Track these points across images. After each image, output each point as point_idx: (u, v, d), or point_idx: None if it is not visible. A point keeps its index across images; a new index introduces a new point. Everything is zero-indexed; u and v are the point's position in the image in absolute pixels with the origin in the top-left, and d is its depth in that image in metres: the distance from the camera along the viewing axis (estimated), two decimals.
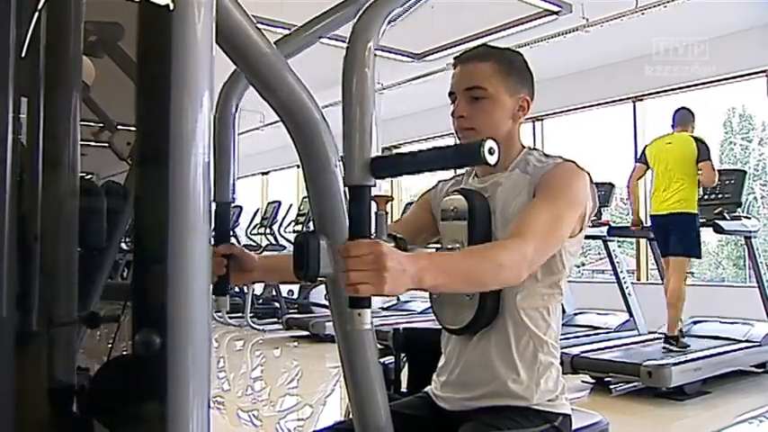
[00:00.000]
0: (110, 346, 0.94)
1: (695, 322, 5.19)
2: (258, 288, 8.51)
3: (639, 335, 5.21)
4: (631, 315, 5.43)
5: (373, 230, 0.96)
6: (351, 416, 1.21)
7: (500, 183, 1.37)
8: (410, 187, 9.92)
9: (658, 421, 3.83)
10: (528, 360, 1.33)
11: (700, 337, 4.93)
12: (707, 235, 5.25)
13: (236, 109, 1.25)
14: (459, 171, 1.54)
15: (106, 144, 1.40)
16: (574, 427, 1.37)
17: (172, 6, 0.65)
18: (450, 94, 1.39)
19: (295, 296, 8.24)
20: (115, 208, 1.27)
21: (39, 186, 0.97)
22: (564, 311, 4.94)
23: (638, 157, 5.02)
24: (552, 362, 1.35)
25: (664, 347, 4.46)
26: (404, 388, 1.69)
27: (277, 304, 8.08)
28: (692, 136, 4.60)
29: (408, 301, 7.76)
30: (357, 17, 0.94)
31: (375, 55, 0.92)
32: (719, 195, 4.73)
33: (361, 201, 0.92)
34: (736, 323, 4.99)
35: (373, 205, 0.99)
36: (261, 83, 0.97)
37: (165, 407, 0.65)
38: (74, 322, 0.97)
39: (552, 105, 7.44)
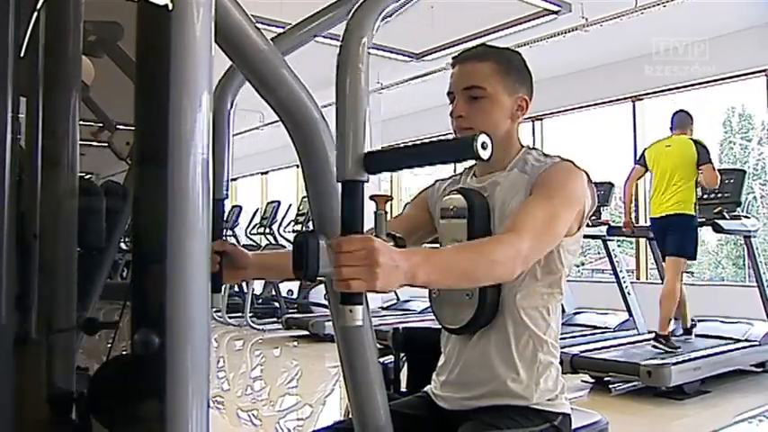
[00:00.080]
0: (109, 346, 0.94)
1: (694, 322, 5.19)
2: (258, 287, 8.51)
3: (639, 334, 5.21)
4: (631, 314, 5.43)
5: (367, 228, 0.95)
6: (350, 415, 1.21)
7: (498, 182, 1.37)
8: (410, 187, 9.92)
9: (658, 420, 3.83)
10: (527, 359, 1.33)
11: (699, 337, 4.93)
12: (707, 234, 5.26)
13: (232, 105, 1.25)
14: (458, 170, 1.54)
15: (105, 144, 1.40)
16: (573, 427, 1.37)
17: (171, 6, 0.65)
18: (449, 93, 1.39)
19: (294, 296, 8.23)
20: (114, 208, 1.27)
21: (38, 186, 0.97)
22: (564, 311, 4.94)
23: (638, 159, 5.03)
24: (552, 361, 1.35)
25: (654, 346, 4.46)
26: (403, 387, 1.69)
27: (276, 304, 8.07)
28: (692, 139, 4.61)
29: (408, 301, 7.77)
30: (351, 13, 0.94)
31: (369, 51, 0.92)
32: (719, 195, 4.73)
33: (353, 196, 0.92)
34: (736, 323, 5.00)
35: (373, 204, 0.98)
36: (260, 82, 0.97)
37: (164, 407, 0.65)
38: (72, 329, 0.97)
39: (552, 105, 7.45)
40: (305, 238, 1.01)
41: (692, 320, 4.98)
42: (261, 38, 0.94)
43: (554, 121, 8.03)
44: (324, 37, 1.27)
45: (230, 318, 7.64)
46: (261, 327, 7.38)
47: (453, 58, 1.42)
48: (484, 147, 0.87)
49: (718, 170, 4.60)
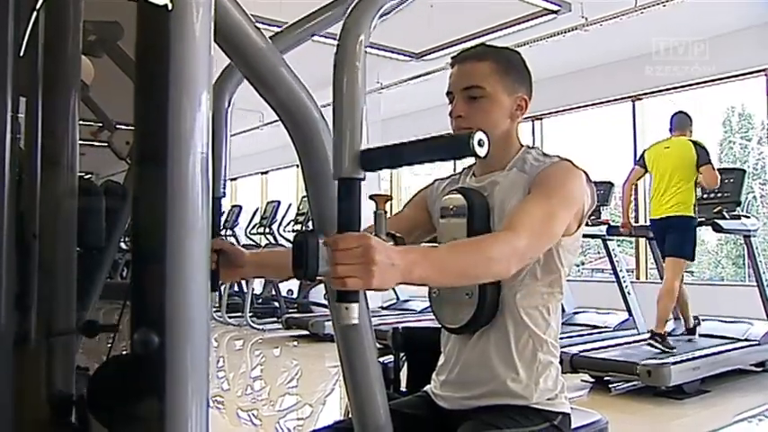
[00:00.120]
0: (109, 345, 0.94)
1: (699, 321, 5.19)
2: (258, 287, 8.51)
3: (639, 334, 5.20)
4: (630, 314, 5.43)
5: (366, 226, 0.95)
6: (350, 415, 1.21)
7: (498, 182, 1.37)
8: (410, 186, 9.92)
9: (657, 420, 3.83)
10: (527, 359, 1.33)
11: (699, 336, 4.93)
12: (707, 234, 5.25)
13: (230, 104, 1.25)
14: (457, 170, 1.54)
15: (105, 143, 1.40)
16: (573, 426, 1.37)
17: (170, 6, 0.65)
18: (448, 93, 1.39)
19: (294, 295, 8.24)
20: (114, 207, 1.27)
21: (37, 186, 0.97)
22: (563, 310, 4.94)
23: (637, 160, 5.03)
24: (552, 361, 1.35)
25: (650, 344, 4.46)
26: (403, 387, 1.69)
27: (276, 303, 8.08)
28: (691, 140, 4.62)
29: (408, 301, 7.77)
30: (348, 11, 0.94)
31: (366, 49, 0.92)
32: (719, 194, 4.74)
33: (350, 194, 0.91)
34: (736, 322, 5.00)
35: (373, 204, 0.98)
36: (260, 82, 0.97)
37: (163, 406, 0.65)
38: (71, 332, 0.97)
39: (551, 105, 7.45)
40: (305, 237, 1.00)
41: (696, 319, 4.97)
42: (261, 38, 0.94)
43: (554, 121, 8.04)
44: (324, 36, 1.27)
45: (230, 317, 7.65)
46: (261, 326, 7.39)
47: (452, 57, 1.42)
48: (480, 144, 0.87)
49: (718, 170, 4.61)
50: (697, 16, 5.67)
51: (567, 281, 1.39)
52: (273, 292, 8.27)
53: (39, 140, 0.97)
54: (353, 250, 0.88)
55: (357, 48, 0.91)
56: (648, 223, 4.91)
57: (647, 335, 4.64)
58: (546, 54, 5.79)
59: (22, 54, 0.95)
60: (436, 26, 5.57)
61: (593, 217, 4.98)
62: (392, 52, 6.43)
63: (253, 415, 4.22)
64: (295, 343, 6.69)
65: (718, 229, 4.73)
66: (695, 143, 4.58)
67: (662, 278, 4.93)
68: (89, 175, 1.31)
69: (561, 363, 1.40)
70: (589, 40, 5.83)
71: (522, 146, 1.41)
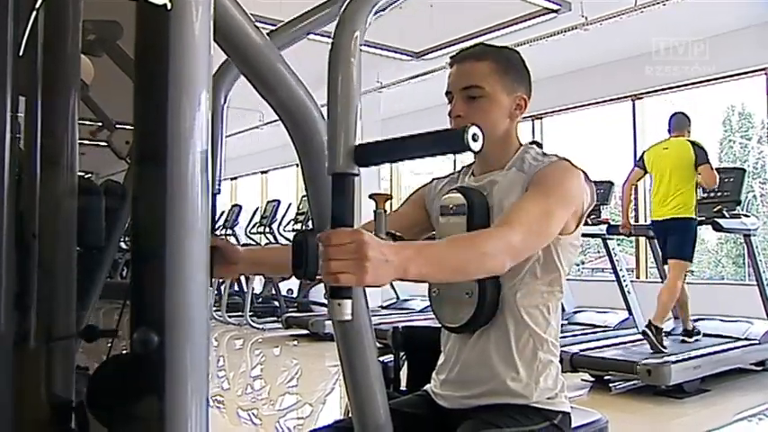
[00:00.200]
0: (109, 345, 0.94)
1: (695, 320, 5.19)
2: (257, 286, 8.51)
3: (638, 333, 5.21)
4: (631, 313, 5.42)
5: (364, 222, 0.95)
6: (350, 414, 1.22)
7: (497, 181, 1.37)
8: (409, 185, 9.92)
9: (657, 419, 3.83)
10: (527, 358, 1.33)
11: (695, 340, 4.92)
12: (707, 233, 5.25)
13: (225, 100, 1.25)
14: (456, 169, 1.54)
15: (105, 143, 1.40)
16: (573, 425, 1.37)
17: (170, 5, 0.65)
18: (447, 93, 1.39)
19: (294, 295, 8.24)
20: (114, 207, 1.27)
21: (37, 186, 0.97)
22: (563, 309, 4.94)
23: (636, 161, 5.04)
24: (552, 360, 1.35)
25: (643, 333, 4.44)
26: (403, 386, 1.69)
27: (276, 303, 8.08)
28: (689, 140, 4.62)
29: (408, 300, 7.77)
30: (344, 6, 0.94)
31: (361, 45, 0.92)
32: (719, 193, 4.74)
33: (344, 189, 0.91)
34: (736, 321, 5.00)
35: (372, 203, 0.98)
36: (260, 82, 0.97)
37: (163, 405, 0.65)
38: (71, 336, 0.97)
39: (551, 104, 7.45)
40: (304, 236, 1.00)
41: (695, 327, 4.96)
42: (260, 37, 0.94)
43: (553, 121, 8.04)
44: (322, 35, 1.27)
45: (230, 317, 7.65)
46: (261, 326, 7.39)
47: (451, 57, 1.42)
48: (474, 138, 0.86)
49: (718, 169, 4.62)
50: (697, 16, 5.67)
51: (567, 280, 1.39)
52: (273, 292, 8.27)
53: (38, 140, 0.97)
54: (346, 246, 0.87)
55: (352, 43, 0.91)
56: (648, 223, 4.91)
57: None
58: (546, 53, 5.79)
59: (21, 54, 0.95)
60: (436, 25, 5.57)
61: (593, 216, 4.98)
62: (392, 51, 6.43)
63: (253, 414, 4.23)
64: (295, 342, 6.69)
65: (718, 228, 4.73)
66: (693, 143, 4.58)
67: (662, 278, 4.94)
68: (89, 175, 1.31)
69: (561, 362, 1.40)
70: (589, 39, 5.83)
71: (522, 145, 1.41)
